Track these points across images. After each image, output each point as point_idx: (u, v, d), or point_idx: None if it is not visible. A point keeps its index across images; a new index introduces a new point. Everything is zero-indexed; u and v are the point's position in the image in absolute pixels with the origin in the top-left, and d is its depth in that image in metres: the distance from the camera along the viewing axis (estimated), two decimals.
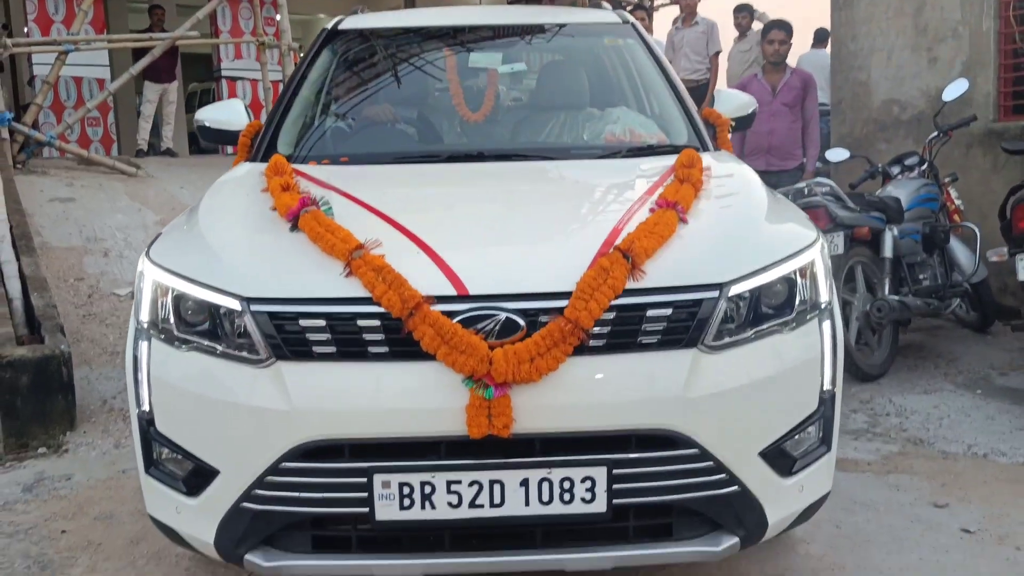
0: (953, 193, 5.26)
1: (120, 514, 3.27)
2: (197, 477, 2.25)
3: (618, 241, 2.20)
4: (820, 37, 9.11)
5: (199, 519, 2.27)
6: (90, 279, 6.12)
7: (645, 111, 3.52)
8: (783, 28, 5.75)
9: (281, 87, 10.71)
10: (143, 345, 2.34)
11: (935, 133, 5.14)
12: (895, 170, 5.17)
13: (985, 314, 5.21)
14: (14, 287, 4.76)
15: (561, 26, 3.93)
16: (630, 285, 2.11)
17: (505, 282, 2.12)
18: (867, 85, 6.18)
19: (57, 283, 5.88)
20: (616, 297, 2.08)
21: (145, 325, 2.35)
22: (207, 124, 3.45)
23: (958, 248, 5.05)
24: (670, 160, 2.79)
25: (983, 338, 5.22)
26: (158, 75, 10.54)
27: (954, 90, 5.07)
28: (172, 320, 2.31)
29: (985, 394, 4.28)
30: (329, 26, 3.82)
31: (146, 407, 2.32)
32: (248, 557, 2.19)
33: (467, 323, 2.05)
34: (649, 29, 8.21)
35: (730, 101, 3.50)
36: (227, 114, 3.47)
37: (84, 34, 9.37)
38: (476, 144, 3.31)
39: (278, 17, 10.53)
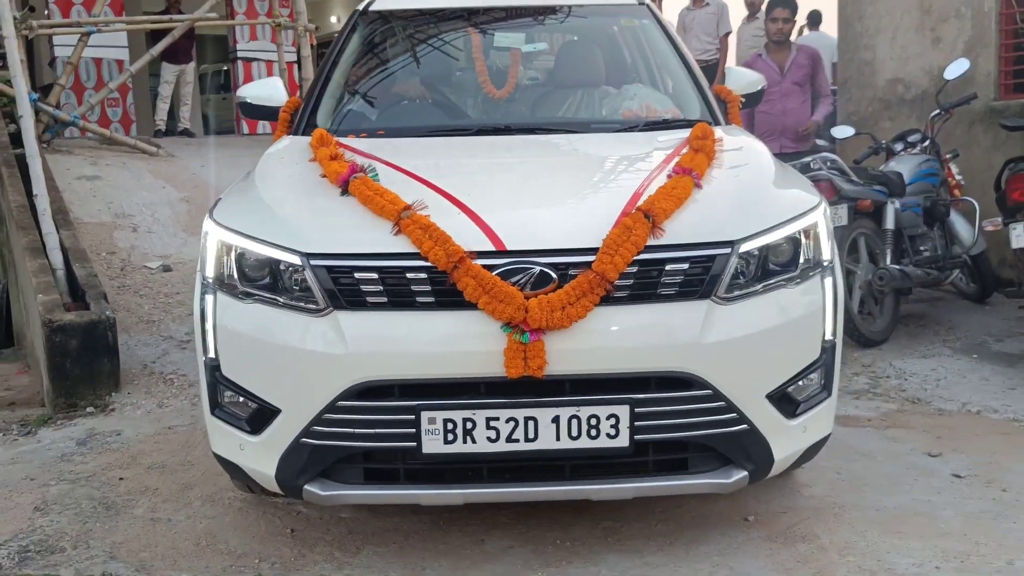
0: (954, 169, 5.45)
1: (171, 464, 3.52)
2: (260, 416, 2.49)
3: (640, 203, 2.42)
4: (814, 20, 9.26)
5: (261, 455, 2.50)
6: (121, 253, 6.36)
7: (660, 88, 3.72)
8: (787, 6, 5.86)
9: (296, 68, 10.93)
10: (209, 299, 2.56)
11: (937, 111, 5.33)
12: (898, 146, 5.37)
13: (984, 285, 5.42)
14: (57, 258, 5.00)
15: (580, 7, 4.13)
16: (651, 242, 2.35)
17: (538, 239, 2.35)
18: (872, 64, 6.36)
19: (91, 257, 6.13)
20: (638, 253, 2.32)
21: (210, 280, 2.57)
22: (249, 100, 3.67)
23: (958, 221, 5.25)
24: (684, 133, 3.01)
25: (982, 308, 5.43)
26: (176, 56, 10.74)
27: (955, 69, 5.26)
28: (236, 275, 2.53)
29: (981, 358, 4.50)
30: (361, 7, 4.03)
31: (212, 354, 2.55)
32: (307, 487, 2.43)
33: (505, 276, 2.29)
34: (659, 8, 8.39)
35: (740, 79, 3.71)
36: (269, 91, 3.68)
37: (104, 16, 9.57)
38: (503, 119, 3.53)
39: None
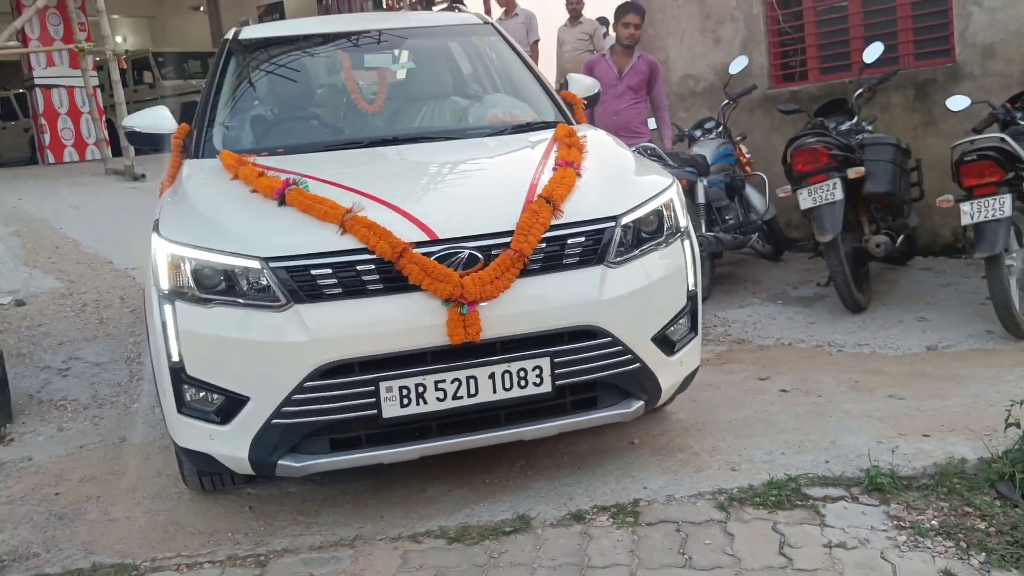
0: (744, 148, 6.41)
1: (102, 475, 3.71)
2: (228, 406, 2.80)
3: (539, 191, 2.94)
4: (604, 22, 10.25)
5: (231, 441, 2.82)
6: None
7: (517, 95, 4.19)
8: (639, 12, 6.15)
9: (100, 94, 10.72)
10: (167, 308, 2.83)
11: (726, 101, 6.26)
12: (697, 133, 6.25)
13: (777, 245, 6.41)
14: None
15: (431, 28, 4.62)
16: (553, 222, 2.87)
17: (464, 227, 2.84)
18: (667, 63, 7.26)
19: None
20: (545, 231, 2.84)
21: (166, 291, 2.85)
22: (138, 129, 3.87)
23: (752, 193, 6.18)
24: (548, 133, 3.57)
25: (777, 265, 6.42)
26: None
27: (737, 64, 6.20)
28: (193, 284, 2.82)
29: (784, 303, 5.43)
30: (229, 36, 4.29)
31: (176, 358, 2.82)
32: (281, 463, 2.78)
33: (440, 260, 2.74)
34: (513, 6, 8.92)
35: (580, 84, 4.29)
36: (156, 120, 3.88)
37: None
38: (386, 131, 3.91)
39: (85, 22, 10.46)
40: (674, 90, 7.25)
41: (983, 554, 2.54)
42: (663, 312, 3.08)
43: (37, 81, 11.42)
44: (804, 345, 4.61)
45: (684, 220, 3.25)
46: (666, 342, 3.07)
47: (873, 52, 5.48)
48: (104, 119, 11.35)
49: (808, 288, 5.67)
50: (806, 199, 4.79)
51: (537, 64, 8.40)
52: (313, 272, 2.75)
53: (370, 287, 2.76)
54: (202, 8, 16.94)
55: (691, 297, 3.17)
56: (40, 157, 11.81)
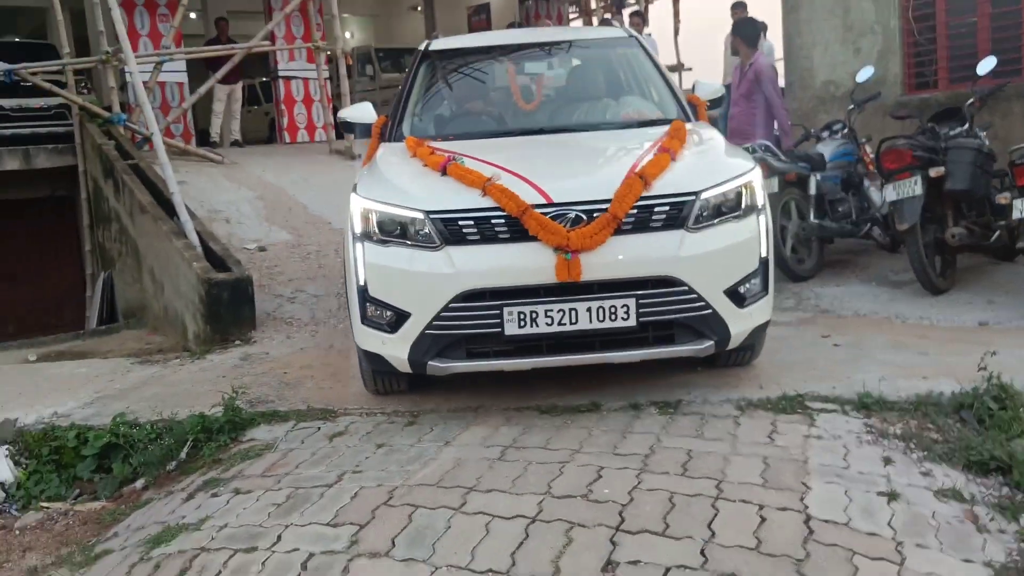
0: (868, 149, 7.10)
1: (315, 365, 5.19)
2: (396, 320, 3.78)
3: (637, 170, 3.81)
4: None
5: (397, 345, 3.80)
6: (223, 239, 8.00)
7: (648, 97, 5.10)
8: (738, 33, 7.44)
9: (330, 84, 12.60)
10: (359, 246, 3.90)
11: (852, 106, 6.99)
12: (824, 134, 7.03)
13: (894, 237, 7.07)
14: (194, 238, 6.68)
15: (586, 40, 5.73)
16: (644, 194, 3.68)
17: (573, 194, 3.71)
18: (811, 70, 8.02)
19: None
20: (636, 201, 3.65)
21: (358, 234, 3.93)
22: (348, 120, 5.09)
23: (872, 189, 6.90)
24: (665, 128, 4.40)
25: (893, 255, 7.06)
26: (226, 78, 12.35)
27: (863, 74, 6.91)
28: (376, 229, 3.89)
29: (878, 285, 6.17)
30: (422, 48, 5.53)
31: (362, 283, 3.86)
32: (430, 363, 3.75)
33: (553, 218, 3.61)
34: (641, 29, 10.23)
35: (705, 88, 5.06)
36: (362, 113, 5.07)
37: (164, 47, 11.26)
38: (536, 124, 4.85)
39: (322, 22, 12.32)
40: (816, 94, 8.00)
41: (924, 452, 3.42)
42: (735, 271, 3.80)
43: (280, 73, 13.53)
44: (876, 316, 5.40)
45: (761, 200, 3.95)
46: (737, 296, 3.80)
47: (985, 65, 6.08)
48: (332, 106, 13.26)
49: (908, 275, 6.35)
50: (891, 193, 5.56)
51: None
52: (460, 223, 3.71)
53: (500, 236, 3.68)
54: (419, 8, 18.83)
55: (763, 262, 3.88)
56: (278, 137, 13.96)
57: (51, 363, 6.57)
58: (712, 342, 3.78)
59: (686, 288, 3.67)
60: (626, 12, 14.49)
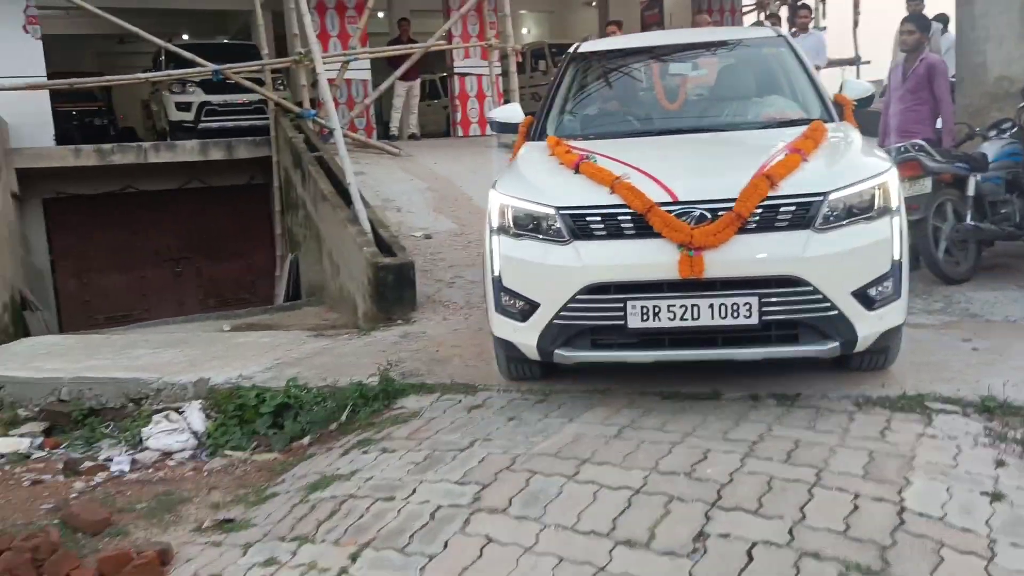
0: None
1: (465, 344, 5.64)
2: (526, 309, 3.98)
3: (765, 171, 3.88)
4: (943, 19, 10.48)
5: (527, 334, 4.00)
6: (393, 226, 8.65)
7: (792, 97, 4.99)
8: (914, 21, 7.13)
9: (501, 81, 13.15)
10: (495, 239, 4.13)
11: (1021, 104, 6.70)
12: (991, 132, 6.78)
13: None
14: (366, 225, 7.32)
15: (735, 41, 5.76)
16: (770, 193, 3.71)
17: (698, 192, 3.80)
18: (983, 66, 7.69)
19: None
20: (761, 201, 3.70)
21: (495, 228, 4.14)
22: (499, 120, 5.38)
23: None
24: (803, 128, 4.30)
25: None
26: (405, 74, 13.16)
27: None
28: (511, 223, 4.10)
29: None
30: (571, 50, 5.72)
31: (497, 273, 4.09)
32: (557, 351, 3.92)
33: (678, 216, 3.72)
34: (808, 23, 10.11)
35: (854, 88, 5.01)
36: (511, 114, 5.36)
37: (352, 47, 12.14)
38: (675, 124, 4.93)
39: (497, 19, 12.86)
40: (988, 91, 7.68)
41: None
42: (864, 273, 3.77)
43: (455, 70, 14.25)
44: None
45: (896, 202, 3.90)
46: (866, 298, 3.76)
47: None
48: (502, 101, 13.81)
49: None
50: None
51: None
52: (588, 219, 3.88)
53: (625, 232, 3.82)
54: (593, 3, 19.13)
55: (895, 265, 3.83)
56: (452, 131, 14.70)
57: (241, 333, 7.40)
58: (837, 344, 3.77)
59: (811, 288, 3.68)
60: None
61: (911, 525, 2.95)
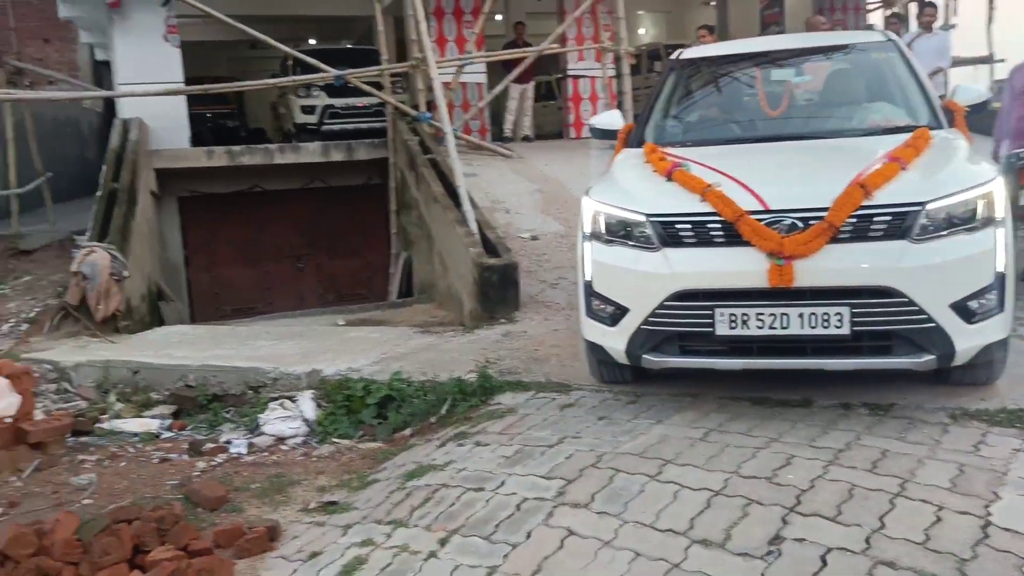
0: None
1: (563, 344, 5.79)
2: (616, 313, 4.07)
3: (860, 179, 3.83)
4: None
5: (616, 337, 4.10)
6: (500, 228, 8.86)
7: (899, 103, 4.89)
8: None
9: (615, 83, 13.21)
10: (587, 245, 4.26)
11: None
12: None
13: None
14: (474, 227, 7.56)
15: (843, 46, 5.61)
16: (865, 203, 3.69)
17: (790, 201, 3.80)
18: None
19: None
20: (855, 210, 3.68)
21: (588, 233, 4.27)
22: (598, 126, 5.47)
23: None
24: (907, 136, 4.25)
25: None
26: (520, 78, 13.38)
27: None
28: (602, 229, 4.20)
29: None
30: (674, 56, 5.77)
31: (588, 278, 4.21)
32: (645, 356, 4.01)
33: (768, 224, 3.76)
34: (932, 22, 9.79)
35: (966, 93, 4.87)
36: (611, 120, 5.47)
37: (468, 52, 12.43)
38: (775, 131, 4.91)
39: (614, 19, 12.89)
40: None
41: None
42: (964, 285, 3.70)
43: (569, 72, 14.38)
44: None
45: (1002, 213, 3.82)
46: (965, 311, 3.69)
47: None
48: (615, 103, 13.86)
49: None
50: None
51: (946, 87, 8.97)
52: (677, 226, 3.95)
53: (715, 239, 3.87)
54: (712, 2, 18.91)
55: (998, 278, 3.74)
56: (565, 132, 14.83)
57: (354, 328, 7.76)
58: (933, 357, 3.72)
59: (905, 300, 3.64)
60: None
61: (995, 540, 2.92)
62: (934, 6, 10.46)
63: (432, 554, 3.25)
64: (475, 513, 3.46)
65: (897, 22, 10.54)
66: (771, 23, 17.56)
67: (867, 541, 2.94)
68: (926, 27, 9.64)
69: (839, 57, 5.58)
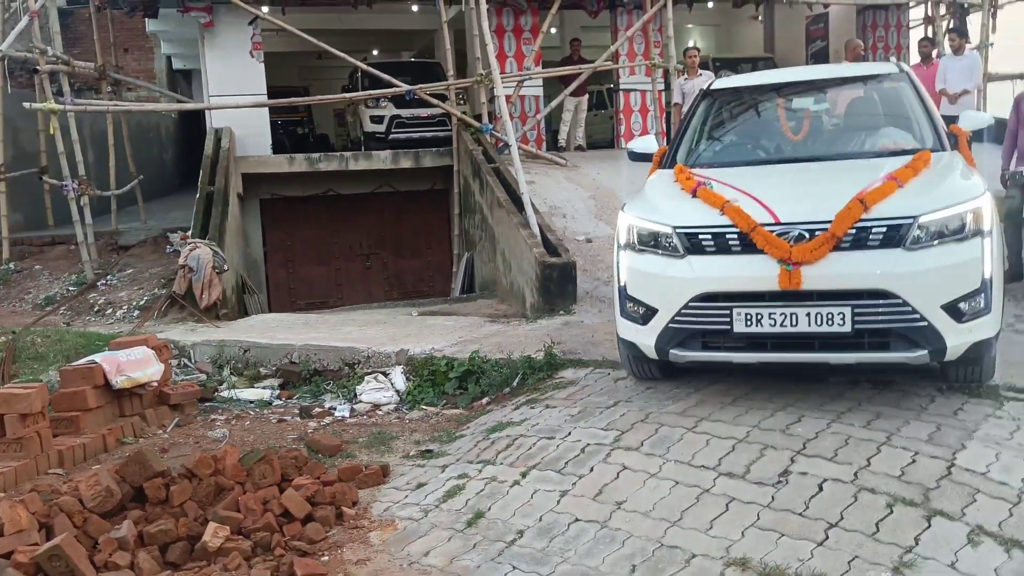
0: None
1: (614, 332, 6.68)
2: (647, 314, 4.56)
3: (861, 196, 4.42)
4: None
5: (647, 335, 4.58)
6: (558, 231, 9.78)
7: (907, 128, 5.32)
8: None
9: (663, 96, 14.05)
10: (622, 253, 4.77)
11: None
12: None
13: None
14: (536, 229, 8.49)
15: (857, 77, 6.22)
16: (864, 216, 4.15)
17: (799, 215, 4.26)
18: None
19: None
20: (855, 223, 4.13)
21: (622, 244, 4.80)
22: (636, 151, 6.09)
23: None
24: (909, 158, 4.69)
25: None
26: (574, 91, 14.29)
27: None
28: (635, 240, 4.71)
29: None
30: (705, 87, 6.32)
31: (623, 283, 4.73)
32: (672, 351, 4.48)
33: (779, 235, 4.20)
34: (962, 45, 10.52)
35: (970, 120, 5.27)
36: (647, 144, 6.04)
37: (527, 68, 13.37)
38: (793, 154, 5.39)
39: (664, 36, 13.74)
40: None
41: None
42: (954, 288, 4.12)
43: (621, 86, 15.25)
44: None
45: (988, 225, 4.24)
46: (956, 311, 4.11)
47: None
48: (663, 116, 14.70)
49: None
50: None
51: (977, 103, 9.66)
52: (700, 236, 4.43)
53: (733, 248, 4.34)
54: (759, 18, 19.60)
55: (985, 282, 4.15)
56: (616, 143, 15.69)
57: (428, 317, 8.75)
58: (926, 352, 4.13)
59: (900, 300, 4.08)
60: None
61: (956, 476, 3.77)
62: (959, 32, 11.16)
63: (516, 483, 4.19)
64: (548, 454, 4.39)
65: (929, 45, 11.22)
66: (816, 38, 18.25)
67: (855, 475, 3.80)
68: (955, 50, 10.36)
69: (854, 87, 6.10)
